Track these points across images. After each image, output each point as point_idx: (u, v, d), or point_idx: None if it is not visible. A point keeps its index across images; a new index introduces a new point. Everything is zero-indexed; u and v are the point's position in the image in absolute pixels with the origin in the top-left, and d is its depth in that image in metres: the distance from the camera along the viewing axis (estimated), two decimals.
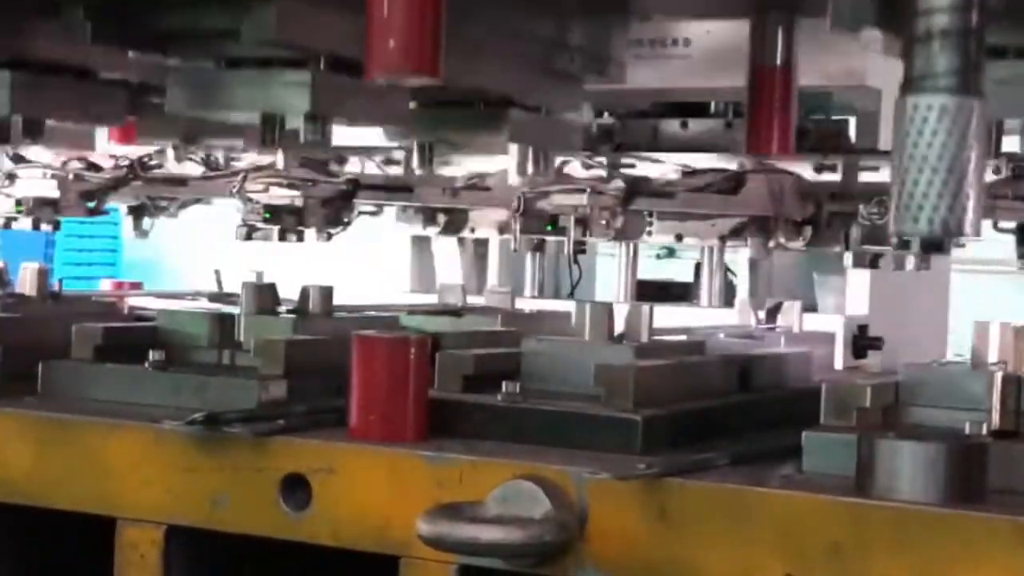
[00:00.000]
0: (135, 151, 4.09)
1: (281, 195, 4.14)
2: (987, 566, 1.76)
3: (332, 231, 4.31)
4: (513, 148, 3.30)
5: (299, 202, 4.05)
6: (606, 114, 4.39)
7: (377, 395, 2.22)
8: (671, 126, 4.27)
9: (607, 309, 2.58)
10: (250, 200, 4.16)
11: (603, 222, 3.92)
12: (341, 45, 2.46)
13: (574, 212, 3.83)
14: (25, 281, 3.35)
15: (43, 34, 2.68)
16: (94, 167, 4.19)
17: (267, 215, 4.11)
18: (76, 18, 2.54)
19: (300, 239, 4.37)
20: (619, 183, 3.82)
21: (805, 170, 3.69)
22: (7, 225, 4.49)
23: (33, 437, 2.36)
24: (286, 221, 4.11)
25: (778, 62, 3.41)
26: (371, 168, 4.14)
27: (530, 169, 3.38)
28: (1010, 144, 3.04)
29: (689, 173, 3.87)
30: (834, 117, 4.39)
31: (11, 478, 2.37)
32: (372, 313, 3.20)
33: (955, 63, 1.83)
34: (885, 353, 3.86)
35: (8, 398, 2.47)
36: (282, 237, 4.28)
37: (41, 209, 4.33)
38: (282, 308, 2.85)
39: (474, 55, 2.82)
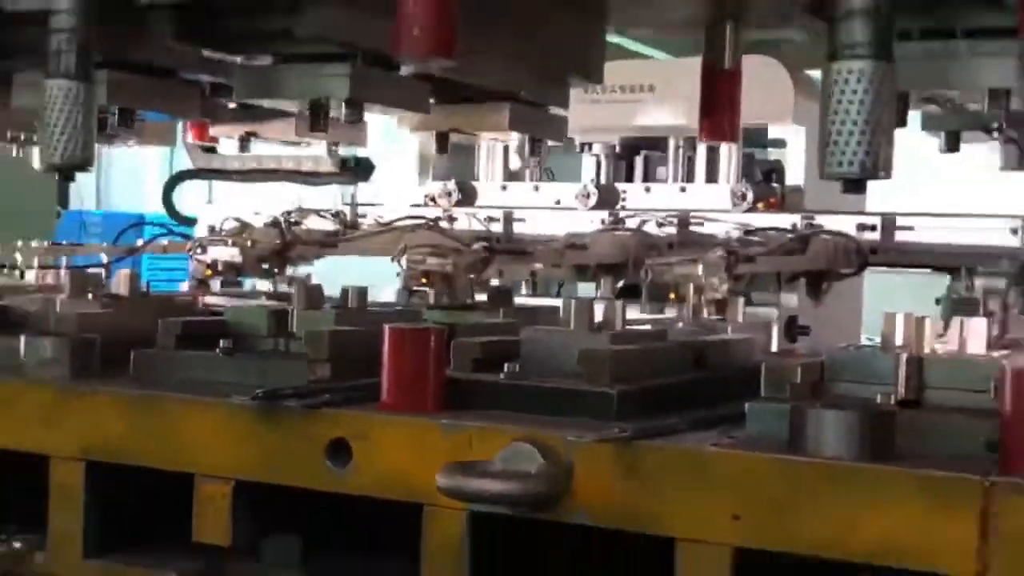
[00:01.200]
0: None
1: (434, 262, 4.06)
2: (893, 510, 1.78)
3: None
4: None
5: (449, 268, 3.90)
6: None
7: (404, 375, 2.24)
8: None
9: (588, 305, 2.57)
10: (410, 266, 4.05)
11: None
12: (374, 42, 2.47)
13: None
14: (119, 283, 3.41)
15: (133, 38, 2.69)
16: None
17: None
18: (160, 23, 2.57)
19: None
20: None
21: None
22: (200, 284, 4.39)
23: (127, 411, 2.37)
24: (438, 285, 4.01)
25: (727, 66, 3.41)
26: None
27: (527, 152, 3.44)
28: None
29: None
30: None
31: (110, 443, 2.38)
32: (399, 308, 3.22)
33: (870, 35, 1.86)
34: (811, 338, 3.89)
35: (106, 379, 2.51)
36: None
37: (229, 271, 4.30)
38: (327, 304, 2.87)
39: (481, 58, 2.84)
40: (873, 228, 3.97)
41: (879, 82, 1.89)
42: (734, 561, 1.89)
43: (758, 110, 4.24)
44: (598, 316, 2.61)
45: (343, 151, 4.35)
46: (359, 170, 4.39)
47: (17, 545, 2.46)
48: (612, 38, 3.87)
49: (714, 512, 1.90)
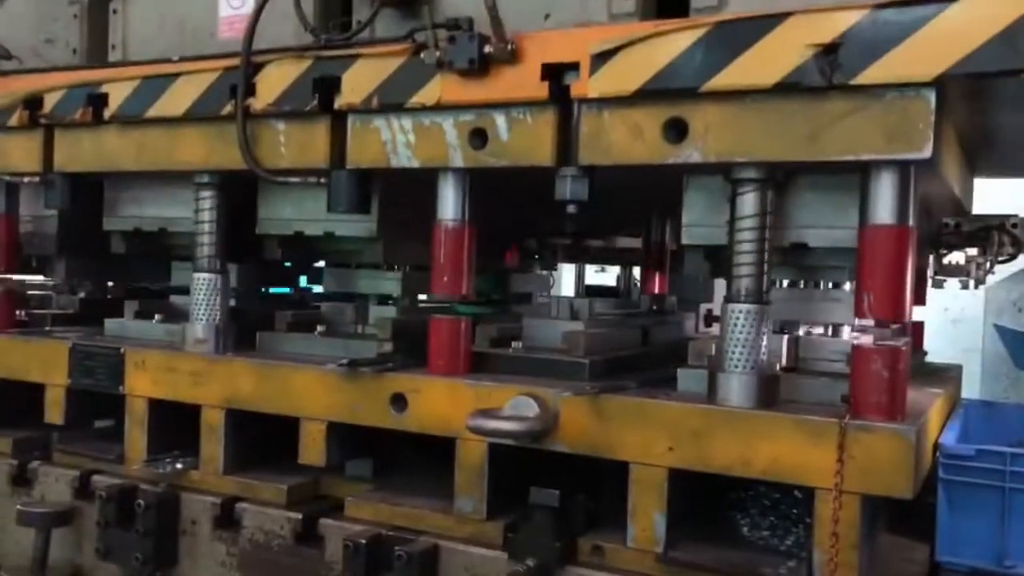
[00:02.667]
0: None
1: None
2: (778, 442, 1.79)
3: None
4: None
5: None
6: None
7: (442, 349, 2.23)
8: None
9: (569, 301, 2.59)
10: None
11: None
12: (418, 260, 2.55)
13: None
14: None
15: (255, 246, 2.67)
16: None
17: None
18: (272, 245, 2.68)
19: None
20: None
21: None
22: None
23: (255, 374, 2.38)
24: None
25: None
26: None
27: None
28: None
29: None
30: None
31: (243, 396, 2.39)
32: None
33: (753, 289, 1.89)
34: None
35: (239, 352, 2.51)
36: None
37: None
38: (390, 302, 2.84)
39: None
40: None
41: (758, 318, 1.89)
42: (670, 478, 1.91)
43: None
44: (576, 309, 2.60)
45: None
46: None
47: (179, 466, 2.48)
48: None
49: (655, 444, 1.91)
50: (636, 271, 4.50)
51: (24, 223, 3.02)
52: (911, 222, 1.79)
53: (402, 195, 2.44)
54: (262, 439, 2.46)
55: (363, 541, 2.08)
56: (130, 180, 2.79)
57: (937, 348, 3.18)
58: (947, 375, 2.72)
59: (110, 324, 2.89)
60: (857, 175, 1.84)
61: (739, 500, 2.12)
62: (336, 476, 2.41)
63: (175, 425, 2.53)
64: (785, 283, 2.21)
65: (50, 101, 2.65)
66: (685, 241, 2.07)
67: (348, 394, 2.24)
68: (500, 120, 2.06)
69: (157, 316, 2.81)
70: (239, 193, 2.56)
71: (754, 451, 1.82)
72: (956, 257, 2.49)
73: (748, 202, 1.89)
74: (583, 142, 1.98)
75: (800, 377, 2.02)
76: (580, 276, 4.84)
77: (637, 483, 1.93)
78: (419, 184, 2.24)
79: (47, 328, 2.98)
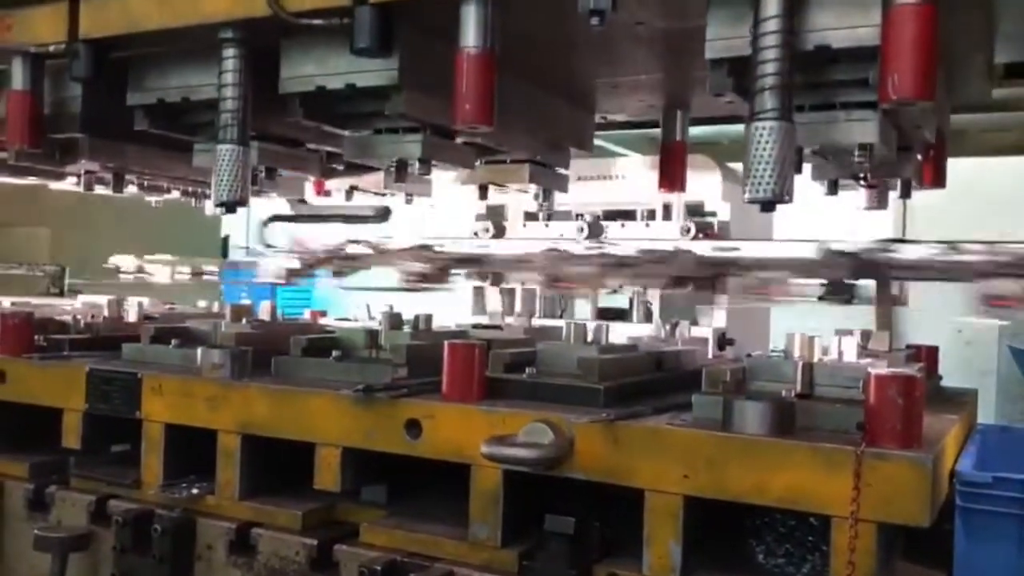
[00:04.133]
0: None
1: (419, 267, 4.15)
2: (793, 471, 1.79)
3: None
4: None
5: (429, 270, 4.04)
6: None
7: (457, 375, 2.23)
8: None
9: (582, 327, 2.59)
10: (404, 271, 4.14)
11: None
12: (439, 119, 2.49)
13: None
14: (263, 311, 3.46)
15: (275, 118, 2.69)
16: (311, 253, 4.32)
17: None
18: (294, 107, 2.58)
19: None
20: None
21: (703, 249, 3.71)
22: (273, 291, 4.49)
23: (269, 399, 2.38)
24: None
25: (677, 139, 3.46)
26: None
27: (541, 198, 3.47)
28: None
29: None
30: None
31: (258, 421, 2.40)
32: (453, 329, 3.19)
33: (777, 103, 1.88)
34: (735, 347, 3.89)
35: (255, 378, 2.51)
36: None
37: (291, 276, 4.40)
38: (405, 326, 2.87)
39: (509, 134, 2.88)
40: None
41: (783, 135, 1.89)
42: (685, 505, 1.90)
43: (697, 191, 4.27)
44: (590, 335, 2.61)
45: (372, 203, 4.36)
46: (384, 215, 4.41)
47: (195, 491, 2.49)
48: (597, 141, 3.88)
49: (670, 472, 1.90)
50: (649, 293, 4.52)
51: (48, 108, 3.00)
52: (935, 2, 1.78)
53: (427, 44, 2.41)
54: (278, 464, 2.46)
55: (378, 568, 2.08)
56: (154, 51, 2.77)
57: (951, 370, 3.16)
58: (963, 400, 2.71)
59: (127, 349, 2.91)
60: None
61: (754, 527, 2.10)
62: (351, 501, 2.41)
63: (191, 450, 2.53)
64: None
65: None
66: (708, 55, 2.03)
67: (362, 420, 2.25)
68: None
69: (174, 341, 2.83)
70: (262, 72, 2.54)
71: (769, 479, 1.81)
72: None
73: (771, 1, 1.88)
74: None
75: (815, 404, 2.01)
76: (594, 299, 4.84)
77: (652, 511, 1.92)
78: (445, 35, 2.20)
79: (65, 353, 3.00)
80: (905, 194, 2.91)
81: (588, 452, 1.98)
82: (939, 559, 1.96)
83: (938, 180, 3.01)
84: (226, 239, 8.18)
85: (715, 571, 1.95)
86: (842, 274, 3.43)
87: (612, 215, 4.65)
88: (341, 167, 3.47)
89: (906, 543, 2.11)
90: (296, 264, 4.35)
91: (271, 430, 2.39)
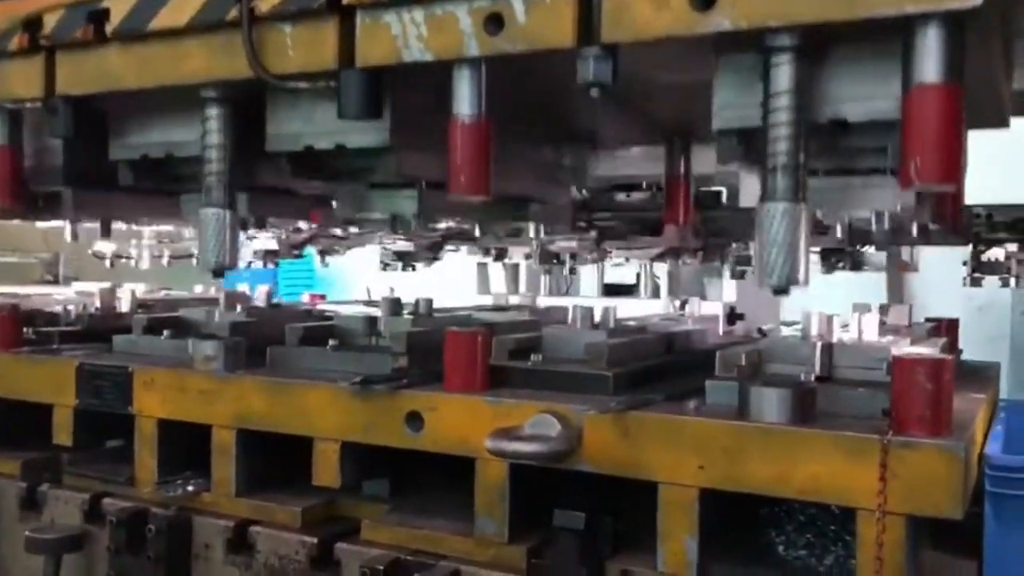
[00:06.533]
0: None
1: (403, 244, 4.08)
2: (815, 461, 1.70)
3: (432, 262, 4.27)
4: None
5: (413, 248, 3.97)
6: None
7: (460, 364, 2.16)
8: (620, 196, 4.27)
9: (590, 311, 2.50)
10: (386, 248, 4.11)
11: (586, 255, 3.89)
12: (434, 175, 2.36)
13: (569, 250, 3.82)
14: (259, 297, 3.37)
15: (263, 169, 2.59)
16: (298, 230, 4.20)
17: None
18: (282, 164, 2.45)
19: (414, 269, 4.36)
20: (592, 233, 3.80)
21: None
22: (249, 265, 4.48)
23: (265, 392, 2.31)
24: (405, 258, 4.03)
25: (682, 174, 3.33)
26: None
27: (542, 234, 3.36)
28: None
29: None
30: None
31: (254, 415, 2.33)
32: (455, 314, 3.08)
33: (789, 185, 1.74)
34: (745, 322, 3.80)
35: (250, 369, 2.45)
36: (404, 267, 4.25)
37: (268, 256, 4.33)
38: (405, 311, 2.79)
39: (508, 174, 2.71)
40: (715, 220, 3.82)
41: (795, 218, 1.76)
42: (701, 498, 1.82)
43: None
44: (597, 316, 2.52)
45: None
46: None
47: (190, 488, 2.41)
48: None
49: (684, 463, 1.82)
50: (656, 267, 4.43)
51: (28, 159, 2.89)
52: (960, 81, 1.64)
53: (415, 102, 2.29)
54: (276, 459, 2.39)
55: (381, 567, 2.00)
56: (135, 105, 2.66)
57: (963, 336, 3.07)
58: (986, 375, 2.62)
59: (118, 340, 2.82)
60: (898, 41, 1.68)
61: (772, 515, 2.02)
62: (353, 496, 2.33)
63: (186, 445, 2.46)
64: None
65: (50, 21, 2.51)
66: (716, 126, 1.90)
67: (361, 412, 2.17)
68: (517, 2, 1.91)
69: (166, 331, 2.74)
70: (247, 121, 2.44)
71: (790, 470, 1.72)
72: (995, 253, 2.37)
73: (783, 75, 1.74)
74: (605, 17, 1.81)
75: (837, 388, 1.92)
76: (600, 274, 4.75)
77: (666, 504, 1.84)
78: (433, 91, 2.10)
79: (55, 346, 2.91)
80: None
81: (597, 444, 1.90)
82: (968, 547, 1.87)
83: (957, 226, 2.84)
84: None
85: (734, 565, 1.86)
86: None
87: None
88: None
89: (931, 526, 2.03)
90: (275, 246, 4.23)
91: (267, 424, 2.31)
